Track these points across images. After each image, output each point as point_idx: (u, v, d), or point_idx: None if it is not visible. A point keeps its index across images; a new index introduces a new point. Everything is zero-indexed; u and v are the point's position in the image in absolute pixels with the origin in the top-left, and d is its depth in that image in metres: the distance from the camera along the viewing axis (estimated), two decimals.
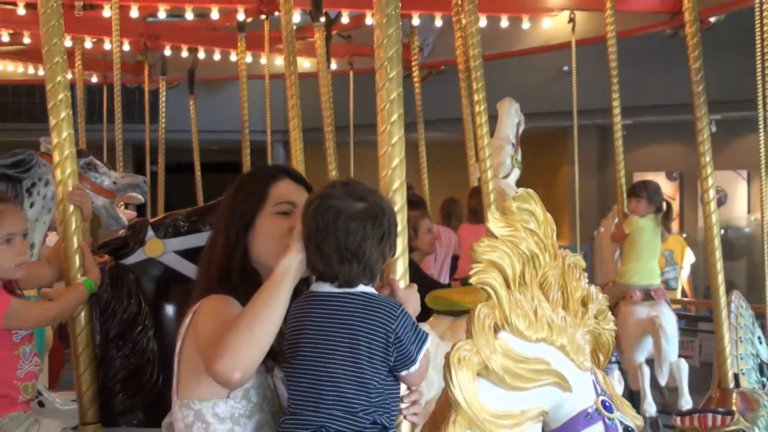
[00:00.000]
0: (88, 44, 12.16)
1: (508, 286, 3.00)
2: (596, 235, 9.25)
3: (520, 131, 8.04)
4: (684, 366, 8.09)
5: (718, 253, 5.72)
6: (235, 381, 2.59)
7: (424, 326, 5.85)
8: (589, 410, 3.11)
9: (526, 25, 11.45)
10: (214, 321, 2.75)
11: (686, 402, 7.99)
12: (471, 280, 2.99)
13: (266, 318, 2.63)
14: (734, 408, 5.38)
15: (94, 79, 14.33)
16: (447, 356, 2.86)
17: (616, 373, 3.63)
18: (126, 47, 12.04)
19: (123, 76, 11.43)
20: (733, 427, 4.89)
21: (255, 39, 11.21)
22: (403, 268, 2.96)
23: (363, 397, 2.67)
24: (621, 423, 3.17)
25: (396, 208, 2.88)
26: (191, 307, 2.93)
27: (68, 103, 4.17)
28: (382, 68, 2.96)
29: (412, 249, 7.71)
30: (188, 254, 4.20)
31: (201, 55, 12.86)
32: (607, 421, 3.13)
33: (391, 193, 2.96)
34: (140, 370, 4.17)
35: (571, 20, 10.07)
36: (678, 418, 5.21)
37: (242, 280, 2.91)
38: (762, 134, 5.42)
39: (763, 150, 5.43)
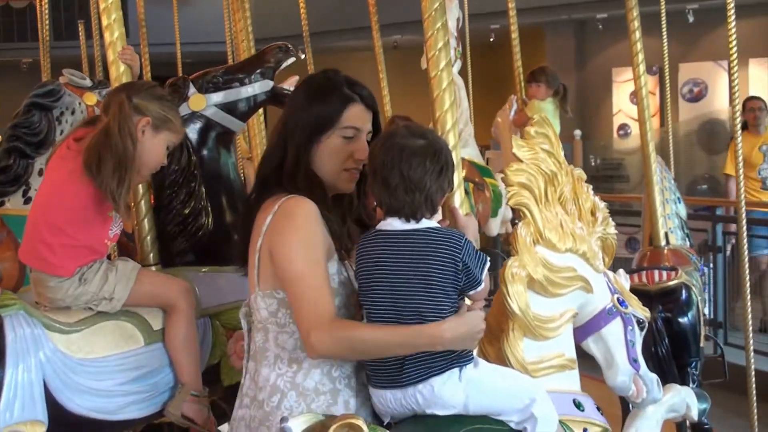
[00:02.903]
0: None
1: (537, 205, 3.34)
2: (493, 126, 9.52)
3: (459, 26, 8.22)
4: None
5: (650, 136, 5.99)
6: (313, 357, 2.91)
7: None
8: (608, 307, 3.51)
9: None
10: (306, 262, 2.93)
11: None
12: (510, 203, 3.32)
13: (379, 353, 2.91)
14: (669, 263, 5.74)
15: None
16: (500, 273, 3.22)
17: (621, 272, 3.97)
18: None
19: None
20: (676, 281, 5.25)
21: None
22: (461, 198, 3.26)
23: (440, 320, 2.92)
24: (634, 316, 3.57)
25: (450, 146, 3.13)
26: (267, 204, 3.05)
27: None
28: (429, 17, 3.26)
29: None
30: (227, 107, 4.55)
31: None
32: (623, 315, 3.53)
33: (445, 133, 3.25)
34: (195, 215, 4.46)
35: None
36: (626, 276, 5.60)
37: (307, 187, 3.07)
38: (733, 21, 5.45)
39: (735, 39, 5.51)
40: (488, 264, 3.03)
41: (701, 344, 5.31)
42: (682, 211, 6.57)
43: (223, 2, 7.99)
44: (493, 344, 3.27)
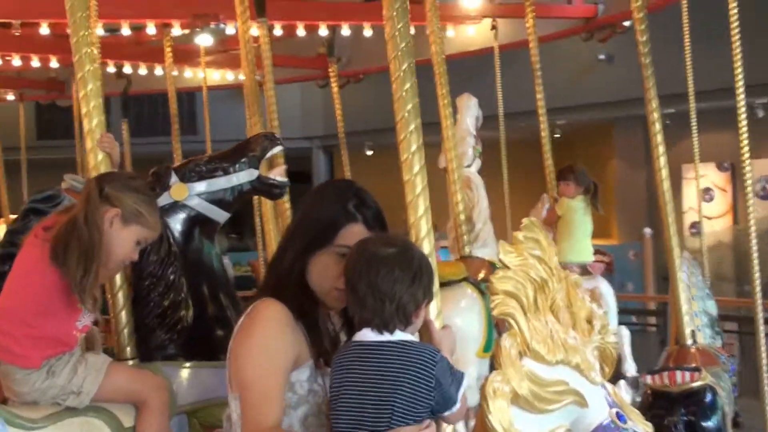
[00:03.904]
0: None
1: (525, 314, 3.14)
2: None
3: (479, 125, 8.25)
4: (626, 333, 8.63)
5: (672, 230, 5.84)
6: None
7: None
8: (605, 423, 3.26)
9: (450, 32, 11.88)
10: (255, 365, 2.89)
11: (630, 366, 8.38)
12: (494, 312, 3.13)
13: None
14: (695, 363, 5.55)
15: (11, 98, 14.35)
16: (482, 388, 2.99)
17: (622, 383, 3.77)
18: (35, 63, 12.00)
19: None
20: (700, 383, 5.06)
21: (185, 52, 11.40)
22: (437, 309, 3.09)
23: None
24: None
25: (422, 234, 3.10)
26: (248, 308, 3.05)
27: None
28: (399, 98, 3.16)
29: None
30: (210, 197, 4.48)
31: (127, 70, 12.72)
32: (622, 431, 3.30)
33: (417, 219, 3.18)
34: (174, 307, 4.37)
35: (494, 27, 10.80)
36: (648, 377, 5.39)
37: (294, 296, 3.01)
38: None
39: None
40: (465, 382, 2.89)
41: None
42: (712, 308, 6.39)
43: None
44: None
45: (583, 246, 8.77)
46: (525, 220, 3.27)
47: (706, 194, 16.34)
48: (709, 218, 15.88)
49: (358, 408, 2.78)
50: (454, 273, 6.14)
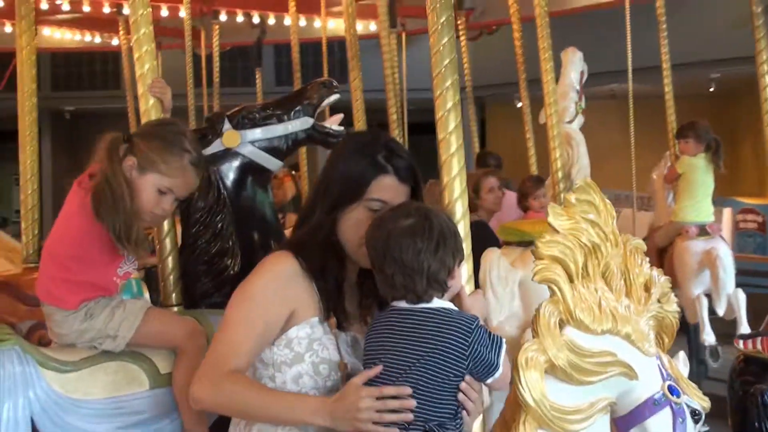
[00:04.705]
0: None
1: (571, 281, 2.99)
2: (650, 183, 9.33)
3: (584, 80, 7.99)
4: (742, 296, 8.20)
5: None
6: (194, 405, 2.87)
7: (493, 259, 6.04)
8: (656, 396, 3.10)
9: None
10: (236, 311, 2.88)
11: (708, 335, 8.11)
12: (534, 278, 2.98)
13: (257, 417, 2.83)
14: None
15: None
16: (515, 358, 2.88)
17: (681, 355, 3.60)
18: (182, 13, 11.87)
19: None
20: None
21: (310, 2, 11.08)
22: (467, 274, 2.97)
23: (437, 409, 2.69)
24: (688, 406, 3.16)
25: (454, 196, 2.97)
26: None
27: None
28: (435, 33, 3.04)
29: (474, 208, 7.81)
30: (263, 145, 4.40)
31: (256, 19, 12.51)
32: (674, 405, 3.12)
33: (451, 180, 3.03)
34: (221, 255, 4.35)
35: None
36: (741, 342, 5.16)
37: (321, 250, 2.94)
38: None
39: None
40: (505, 346, 2.80)
41: None
42: None
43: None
44: None
45: (703, 206, 8.53)
46: (579, 181, 3.11)
47: None
48: None
49: (389, 374, 2.69)
50: (541, 232, 5.97)
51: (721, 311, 8.19)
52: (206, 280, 4.31)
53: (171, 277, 4.14)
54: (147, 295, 4.08)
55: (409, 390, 2.66)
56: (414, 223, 2.73)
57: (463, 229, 2.95)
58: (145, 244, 3.67)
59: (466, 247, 2.94)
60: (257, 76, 12.01)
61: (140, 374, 3.72)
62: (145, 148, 3.60)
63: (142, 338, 3.71)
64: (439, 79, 3.00)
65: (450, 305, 2.79)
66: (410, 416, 2.64)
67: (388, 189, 2.93)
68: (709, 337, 8.20)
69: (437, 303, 2.76)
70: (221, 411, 2.93)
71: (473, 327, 2.72)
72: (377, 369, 2.70)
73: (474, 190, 7.83)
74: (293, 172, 10.72)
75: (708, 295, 8.29)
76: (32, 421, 3.46)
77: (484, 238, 6.62)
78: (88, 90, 21.21)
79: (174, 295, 4.14)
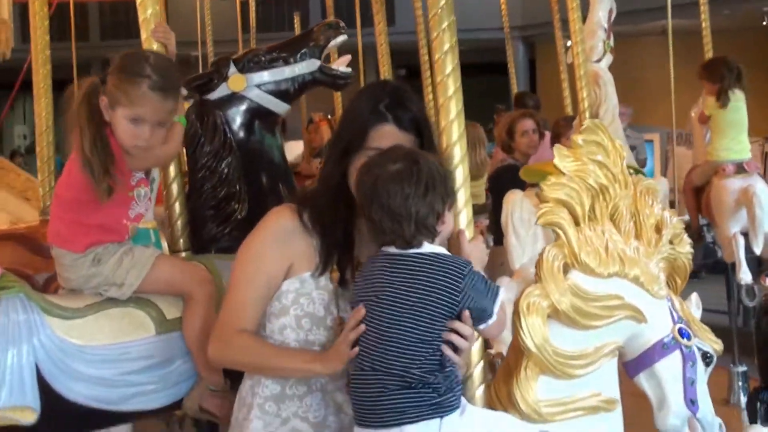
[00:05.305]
0: None
1: (577, 224, 2.93)
2: (689, 119, 9.15)
3: (612, 18, 7.78)
4: None
5: None
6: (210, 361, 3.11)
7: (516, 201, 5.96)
8: (666, 339, 3.05)
9: None
10: (242, 270, 2.94)
11: (745, 274, 7.94)
12: (538, 222, 2.92)
13: (264, 368, 2.93)
14: None
15: None
16: (516, 303, 2.83)
17: (694, 297, 3.51)
18: None
19: None
20: None
21: None
22: (467, 219, 2.87)
23: (423, 356, 2.64)
24: (699, 349, 3.10)
25: (456, 160, 2.85)
26: None
27: None
28: (435, 16, 2.89)
29: (510, 151, 7.70)
30: (270, 88, 4.37)
31: None
32: (684, 349, 3.07)
33: (451, 146, 2.89)
34: (228, 200, 4.33)
35: None
36: (767, 279, 5.08)
37: (330, 200, 2.93)
38: None
39: None
40: (501, 295, 2.73)
41: None
42: None
43: None
44: (508, 382, 2.88)
45: (737, 143, 8.26)
46: (587, 122, 3.02)
47: None
48: None
49: (383, 318, 2.66)
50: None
51: (758, 249, 8.06)
52: (213, 224, 4.29)
53: (179, 222, 4.11)
54: (165, 245, 4.02)
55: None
56: (402, 168, 2.67)
57: (461, 174, 2.86)
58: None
59: (464, 192, 2.85)
60: (295, 21, 11.84)
61: (146, 320, 3.70)
62: (110, 84, 3.54)
63: (149, 286, 3.70)
64: (438, 42, 2.86)
65: (442, 250, 2.73)
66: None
67: (387, 137, 2.87)
68: (745, 275, 8.08)
69: (428, 248, 2.70)
70: (236, 366, 3.04)
71: (465, 271, 2.67)
72: (360, 312, 2.69)
73: (508, 133, 7.77)
74: (329, 117, 10.64)
75: (745, 234, 8.16)
76: (37, 367, 3.47)
77: (512, 181, 6.52)
78: (136, 38, 21.13)
79: (182, 240, 4.12)
